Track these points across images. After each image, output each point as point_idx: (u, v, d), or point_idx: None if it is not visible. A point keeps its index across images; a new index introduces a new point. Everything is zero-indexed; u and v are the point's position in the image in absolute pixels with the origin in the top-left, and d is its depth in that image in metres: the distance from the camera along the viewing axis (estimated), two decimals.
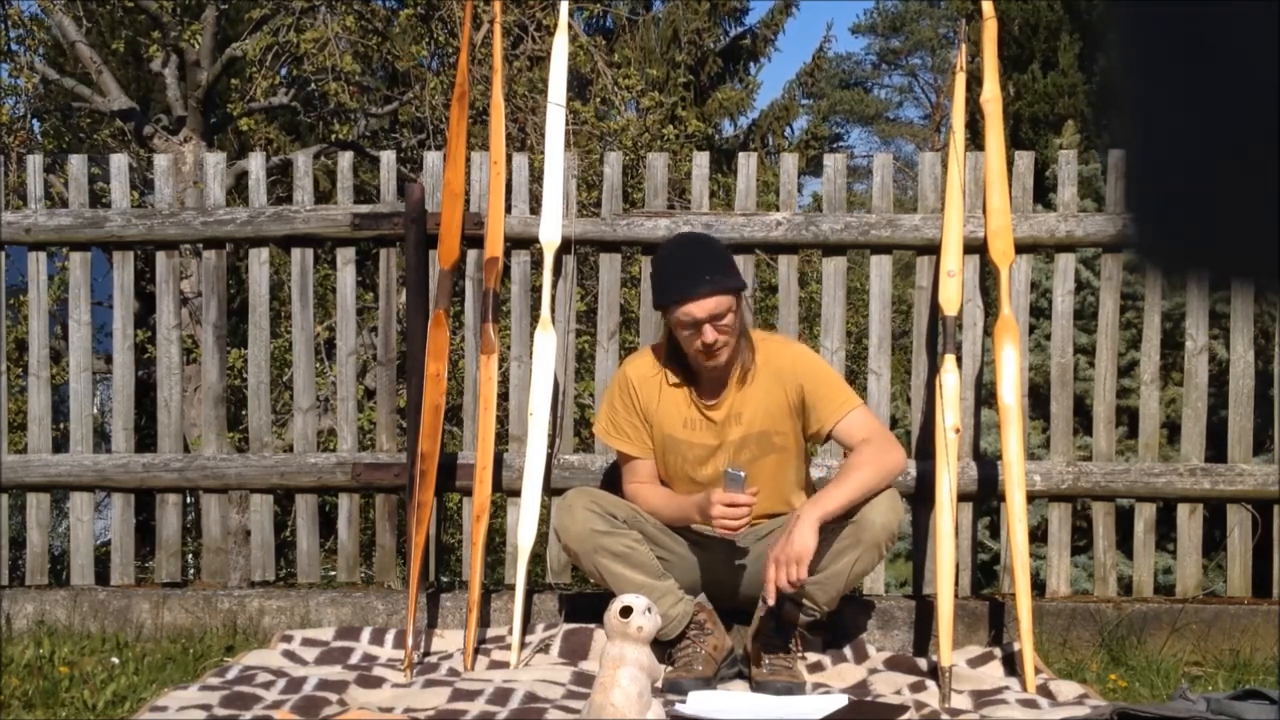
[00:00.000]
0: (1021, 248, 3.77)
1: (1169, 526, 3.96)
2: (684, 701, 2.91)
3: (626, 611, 2.77)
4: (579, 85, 9.18)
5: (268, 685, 3.06)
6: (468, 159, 3.86)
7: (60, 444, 4.22)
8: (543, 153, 3.86)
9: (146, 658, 3.48)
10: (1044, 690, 3.12)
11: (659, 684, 2.99)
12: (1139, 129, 0.62)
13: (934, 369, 3.65)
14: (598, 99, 9.02)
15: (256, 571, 4.02)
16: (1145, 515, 3.86)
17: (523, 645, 3.36)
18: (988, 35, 3.68)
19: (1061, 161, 3.96)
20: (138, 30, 9.32)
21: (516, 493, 3.71)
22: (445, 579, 4.80)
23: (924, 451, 3.72)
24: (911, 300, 4.01)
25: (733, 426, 3.29)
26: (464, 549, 3.81)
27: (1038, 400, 5.12)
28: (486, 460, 3.55)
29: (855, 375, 6.08)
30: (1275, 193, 0.58)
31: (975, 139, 5.42)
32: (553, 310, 3.67)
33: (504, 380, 4.15)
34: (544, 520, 3.52)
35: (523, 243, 3.91)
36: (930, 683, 3.17)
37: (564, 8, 3.91)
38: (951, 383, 3.43)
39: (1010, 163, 3.79)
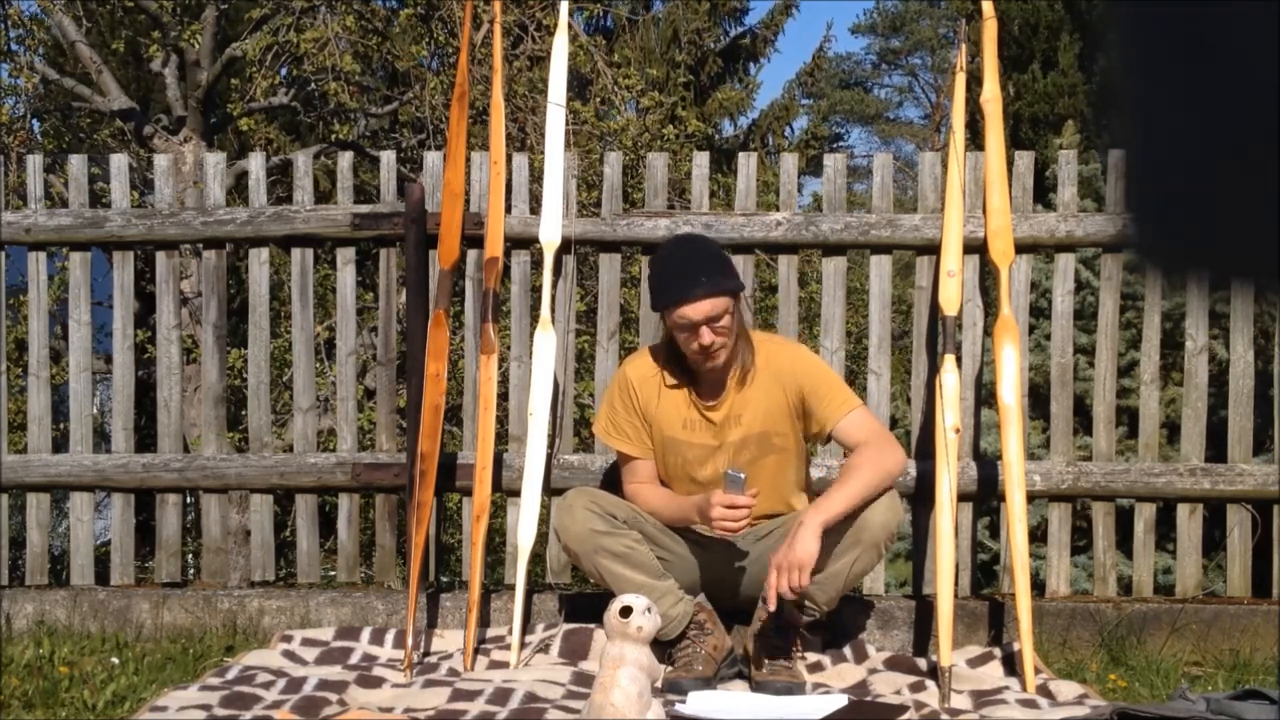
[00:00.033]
0: (1021, 248, 3.77)
1: (1169, 526, 3.96)
2: (684, 701, 2.91)
3: (626, 611, 2.77)
4: (579, 85, 9.18)
5: (268, 685, 3.06)
6: (468, 159, 3.86)
7: (60, 444, 4.22)
8: (543, 153, 3.86)
9: (146, 658, 3.48)
10: (1044, 690, 3.12)
11: (659, 684, 2.99)
12: (1139, 129, 0.62)
13: (934, 369, 3.65)
14: (598, 99, 9.02)
15: (256, 571, 4.02)
16: (1145, 515, 3.86)
17: (523, 645, 3.36)
18: (988, 35, 3.68)
19: (1061, 161, 3.96)
20: (138, 30, 9.32)
21: (516, 493, 3.71)
22: (445, 579, 4.80)
23: (924, 451, 3.72)
24: (911, 300, 4.01)
25: (732, 428, 3.29)
26: (464, 549, 3.81)
27: (1038, 400, 5.12)
28: (486, 460, 3.55)
29: (855, 375, 6.09)
30: (1275, 193, 0.58)
31: (975, 139, 5.42)
32: (553, 310, 3.67)
33: (504, 380, 4.15)
34: (544, 520, 3.53)
35: (523, 243, 3.91)
36: (930, 683, 3.17)
37: (564, 8, 3.91)
38: (951, 383, 3.43)
39: (1010, 163, 3.79)
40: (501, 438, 4.10)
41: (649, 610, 2.80)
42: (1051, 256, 3.96)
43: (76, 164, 4.17)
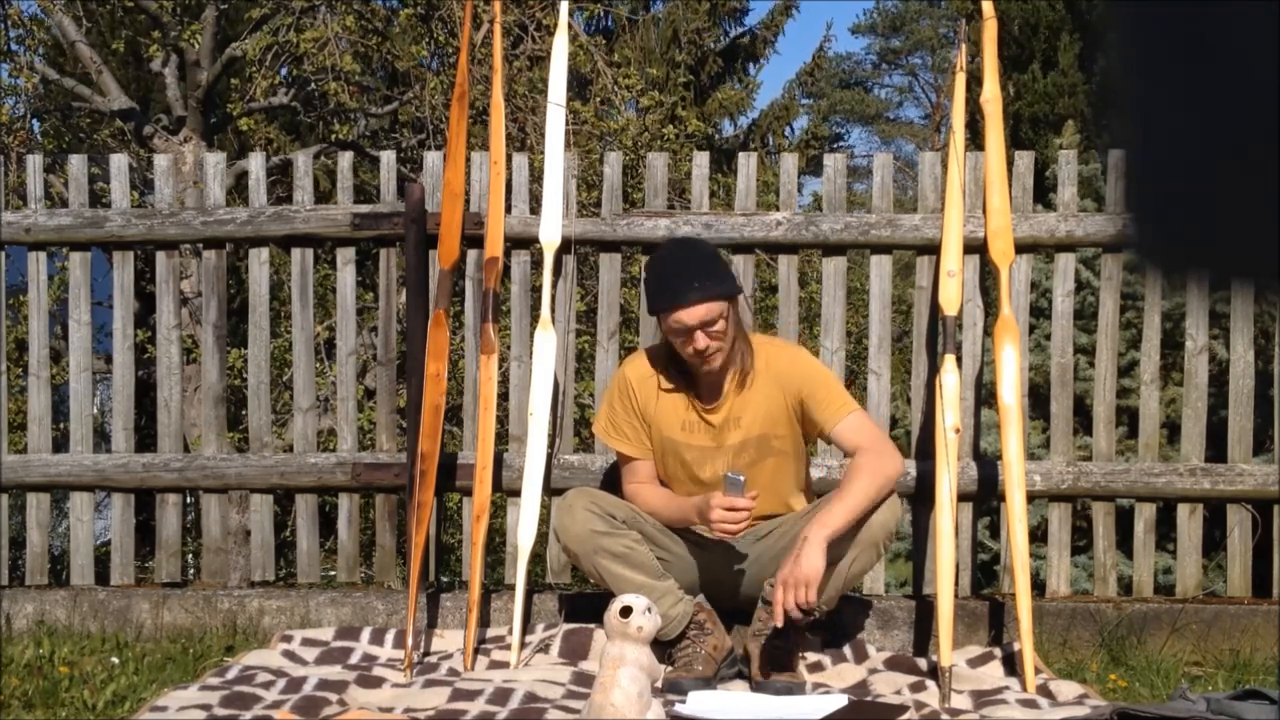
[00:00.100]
0: (1021, 248, 3.77)
1: (1169, 526, 3.96)
2: (684, 701, 2.91)
3: (626, 611, 2.77)
4: (579, 85, 9.18)
5: (268, 685, 3.06)
6: (468, 159, 3.86)
7: (60, 444, 4.22)
8: (543, 153, 3.86)
9: (146, 658, 3.48)
10: (1044, 690, 3.12)
11: (659, 684, 2.99)
12: (1139, 129, 0.62)
13: (934, 369, 3.65)
14: (598, 99, 9.02)
15: (256, 571, 4.02)
16: (1145, 515, 3.86)
17: (523, 645, 3.36)
18: (988, 35, 3.68)
19: (1061, 161, 3.96)
20: (138, 30, 9.32)
21: (516, 493, 3.71)
22: (445, 579, 4.80)
23: (924, 451, 3.72)
24: (911, 300, 4.01)
25: (731, 430, 3.29)
26: (464, 549, 3.81)
27: (1038, 400, 5.11)
28: (486, 460, 3.55)
29: (855, 375, 6.09)
30: (1275, 193, 0.58)
31: (975, 139, 5.42)
32: (553, 310, 3.67)
33: (504, 380, 4.15)
34: (544, 520, 3.52)
35: (523, 243, 3.91)
36: (930, 683, 3.17)
37: (564, 8, 3.91)
38: (951, 383, 3.43)
39: (1010, 163, 3.79)
40: (501, 438, 4.10)
41: (649, 610, 2.80)
42: (1051, 256, 3.96)
43: (76, 164, 4.17)
